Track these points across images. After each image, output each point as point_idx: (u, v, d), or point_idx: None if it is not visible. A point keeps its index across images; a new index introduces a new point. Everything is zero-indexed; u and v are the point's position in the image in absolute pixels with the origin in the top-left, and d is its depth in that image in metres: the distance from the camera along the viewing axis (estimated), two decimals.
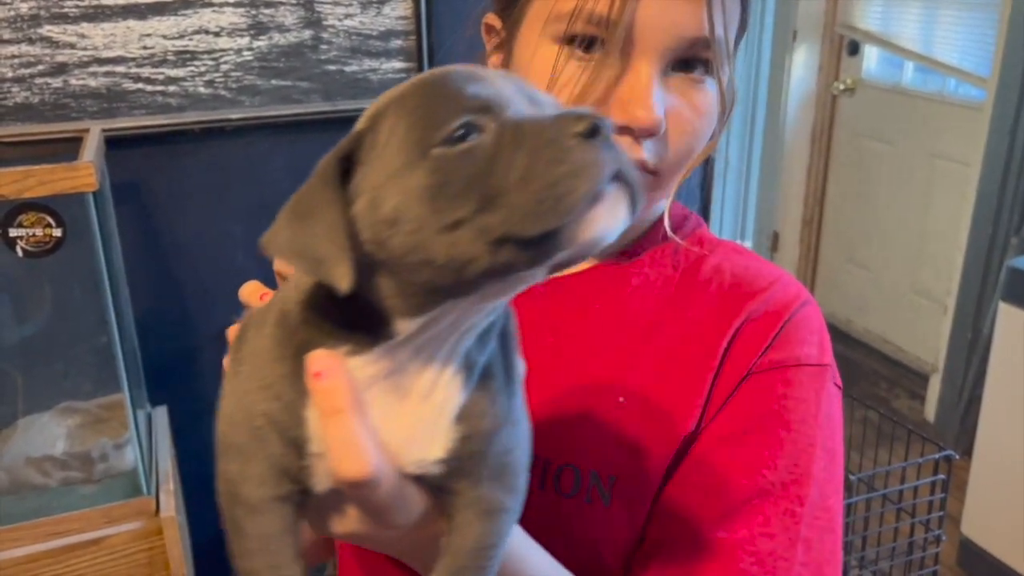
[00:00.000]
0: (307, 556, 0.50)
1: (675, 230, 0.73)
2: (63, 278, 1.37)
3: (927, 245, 3.15)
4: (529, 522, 0.68)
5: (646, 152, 0.61)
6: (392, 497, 0.46)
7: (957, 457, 1.58)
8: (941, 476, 1.58)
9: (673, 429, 0.65)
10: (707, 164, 2.28)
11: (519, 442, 0.49)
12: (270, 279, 0.44)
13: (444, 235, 0.38)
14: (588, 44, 0.60)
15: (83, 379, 1.44)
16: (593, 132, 0.37)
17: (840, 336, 3.52)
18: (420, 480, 0.47)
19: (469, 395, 0.46)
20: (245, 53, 1.65)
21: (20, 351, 1.42)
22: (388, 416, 0.46)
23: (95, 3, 1.53)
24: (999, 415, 1.98)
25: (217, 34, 1.62)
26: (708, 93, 0.62)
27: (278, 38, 1.66)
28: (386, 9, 1.72)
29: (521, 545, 0.59)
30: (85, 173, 1.14)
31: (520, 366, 0.53)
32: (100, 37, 1.55)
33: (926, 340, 3.13)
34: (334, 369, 0.44)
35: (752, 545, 0.61)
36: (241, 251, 1.72)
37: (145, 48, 1.58)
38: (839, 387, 0.67)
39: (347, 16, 1.70)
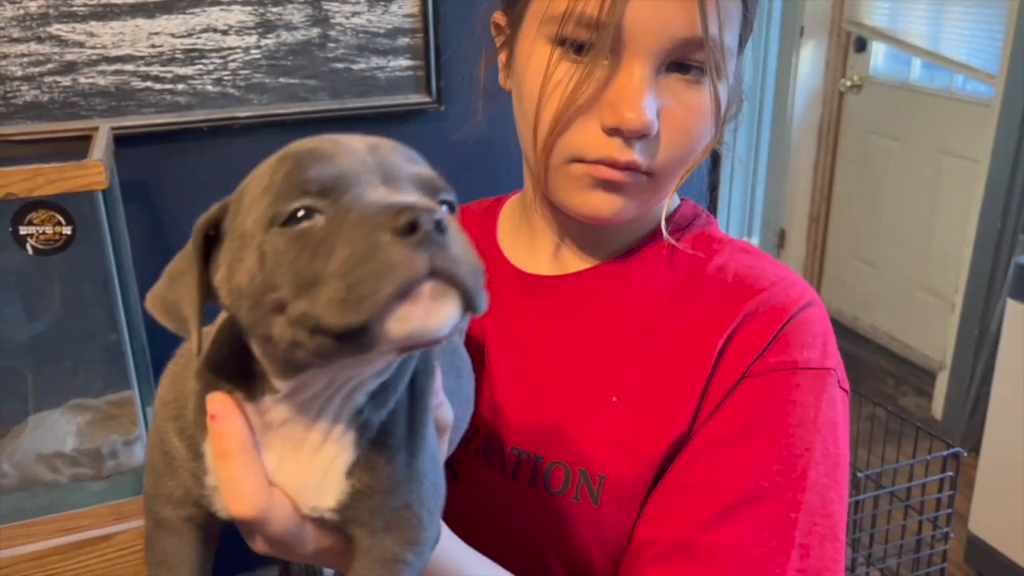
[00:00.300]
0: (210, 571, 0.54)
1: (685, 228, 0.73)
2: (73, 276, 1.38)
3: (934, 242, 3.14)
4: (519, 518, 0.69)
5: (638, 153, 0.61)
6: (286, 533, 0.49)
7: (965, 454, 1.58)
8: (949, 473, 1.58)
9: (665, 430, 0.64)
10: (715, 162, 2.28)
11: (420, 499, 0.50)
12: None
13: (273, 316, 0.39)
14: (580, 46, 0.60)
15: (92, 376, 1.45)
16: (411, 228, 0.37)
17: (846, 333, 3.51)
18: (319, 523, 0.50)
19: (361, 451, 0.48)
20: (253, 51, 1.65)
21: (30, 348, 1.43)
22: (284, 462, 0.48)
23: (104, 2, 1.53)
24: (1007, 412, 1.98)
25: (225, 32, 1.62)
26: (704, 93, 0.62)
27: (286, 36, 1.66)
28: (393, 7, 1.72)
29: (456, 553, 0.60)
30: (95, 171, 1.15)
31: (446, 415, 0.55)
32: (109, 36, 1.55)
33: (933, 337, 3.12)
34: (227, 413, 0.47)
35: (740, 549, 0.60)
36: None
37: (153, 46, 1.58)
38: (845, 390, 0.66)
39: (354, 14, 1.70)
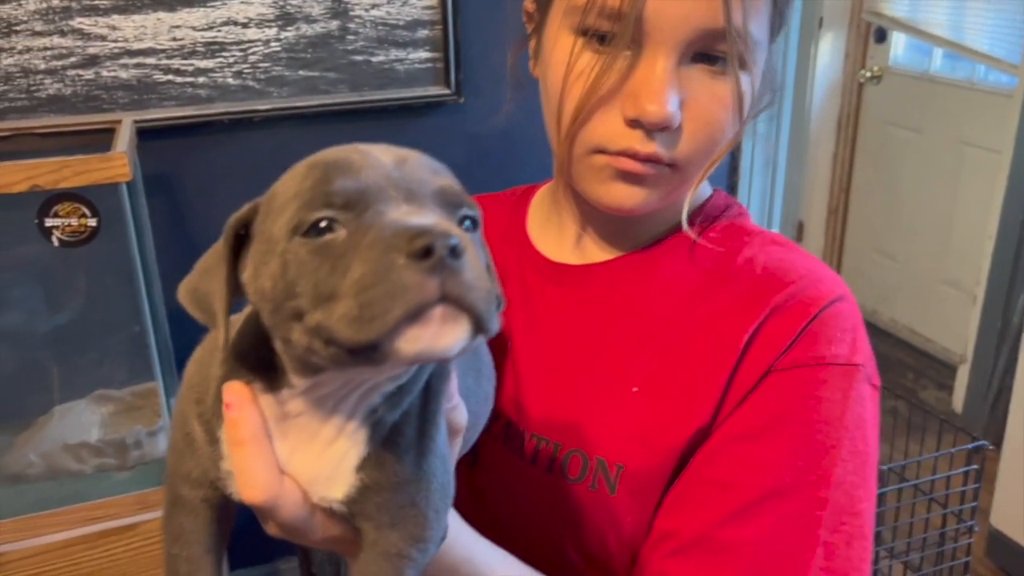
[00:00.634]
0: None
1: (715, 218, 0.72)
2: (97, 268, 1.39)
3: (955, 234, 3.11)
4: (536, 505, 0.69)
5: (660, 145, 0.61)
6: (296, 519, 0.50)
7: (991, 447, 1.57)
8: (974, 466, 1.56)
9: (685, 421, 0.64)
10: (734, 154, 2.27)
11: (427, 498, 0.51)
12: None
13: (292, 322, 0.41)
14: (603, 36, 0.60)
15: (117, 367, 1.47)
16: (425, 253, 0.37)
17: (866, 326, 3.48)
18: (330, 511, 0.51)
19: (372, 448, 0.49)
20: (273, 44, 1.66)
21: (55, 340, 1.44)
22: (298, 451, 0.50)
23: None
24: None
25: (245, 25, 1.63)
26: (730, 84, 0.61)
27: (305, 29, 1.67)
28: None
29: (467, 541, 0.61)
30: (119, 163, 1.16)
31: (459, 417, 0.56)
32: (131, 29, 1.56)
33: (954, 330, 3.10)
34: (242, 402, 0.48)
35: (761, 546, 0.60)
36: None
37: (175, 40, 1.59)
38: (876, 387, 0.65)
39: (373, 6, 1.70)
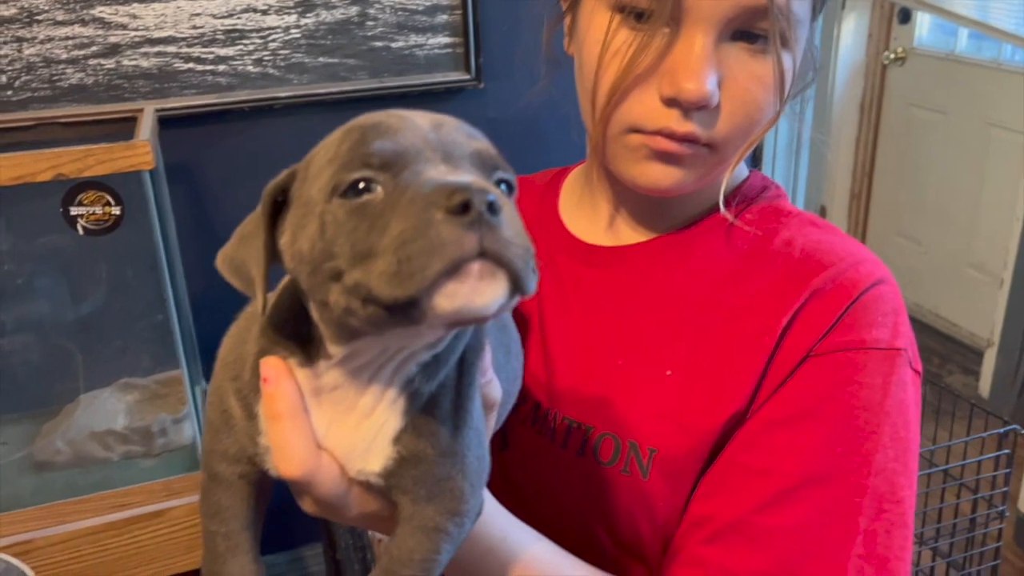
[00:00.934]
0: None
1: (752, 200, 0.71)
2: (121, 256, 1.40)
3: (981, 217, 3.06)
4: (567, 487, 0.68)
5: (697, 125, 0.60)
6: (332, 495, 0.50)
7: (1022, 432, 1.54)
8: (1006, 451, 1.54)
9: (720, 405, 0.63)
10: None
11: (463, 471, 0.51)
12: None
13: (330, 283, 0.41)
14: (640, 13, 0.59)
15: (141, 356, 1.47)
16: (463, 208, 0.37)
17: None
18: (365, 486, 0.51)
19: (409, 420, 0.49)
20: (293, 31, 1.65)
21: (81, 328, 1.45)
22: (334, 425, 0.50)
23: None
24: None
25: (265, 12, 1.62)
26: (770, 63, 0.59)
27: (325, 15, 1.66)
28: None
29: (502, 521, 0.61)
30: (142, 151, 1.16)
31: (494, 392, 0.56)
32: (151, 17, 1.56)
33: (980, 314, 3.06)
34: (280, 377, 0.48)
35: (798, 533, 0.59)
36: None
37: (195, 28, 1.59)
38: (917, 371, 0.63)
39: None
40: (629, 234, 0.73)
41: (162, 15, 1.56)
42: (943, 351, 3.21)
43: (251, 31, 1.62)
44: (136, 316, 1.45)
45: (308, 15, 1.65)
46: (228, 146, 1.69)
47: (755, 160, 2.10)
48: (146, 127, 1.31)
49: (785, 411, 0.61)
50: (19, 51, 1.50)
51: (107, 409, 1.42)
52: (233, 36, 1.62)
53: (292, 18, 1.64)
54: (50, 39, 1.51)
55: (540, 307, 0.74)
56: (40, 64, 1.52)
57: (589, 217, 0.75)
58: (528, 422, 0.72)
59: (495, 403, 0.56)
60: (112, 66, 1.56)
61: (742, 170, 0.73)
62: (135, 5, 1.54)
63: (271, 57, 1.65)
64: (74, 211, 1.17)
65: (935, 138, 3.24)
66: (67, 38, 1.52)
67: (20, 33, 1.49)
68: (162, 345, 1.38)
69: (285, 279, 0.52)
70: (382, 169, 0.40)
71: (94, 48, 1.54)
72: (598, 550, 0.68)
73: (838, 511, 0.59)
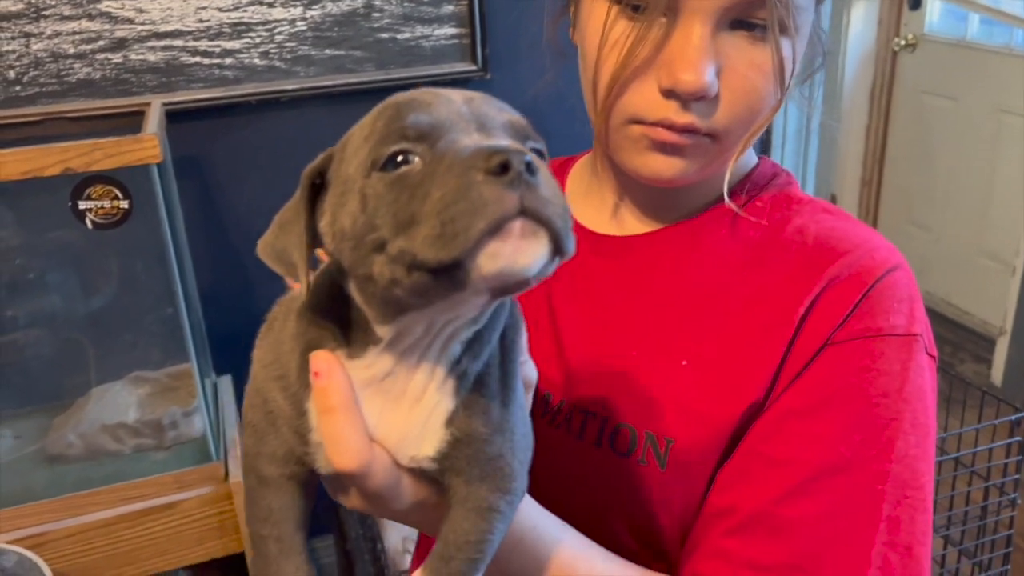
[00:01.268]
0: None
1: (763, 187, 0.71)
2: (130, 250, 1.40)
3: (993, 204, 3.04)
4: (584, 479, 0.68)
5: (697, 115, 0.59)
6: (386, 487, 0.50)
7: None
8: (1016, 439, 1.53)
9: (738, 396, 0.63)
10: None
11: (512, 449, 0.52)
12: None
13: (374, 255, 0.41)
14: (637, 5, 0.59)
15: (152, 349, 1.48)
16: (502, 168, 0.38)
17: None
18: (417, 474, 0.51)
19: (459, 401, 0.49)
20: (299, 23, 1.65)
21: (91, 322, 1.46)
22: (385, 415, 0.49)
23: None
24: None
25: (271, 4, 1.62)
26: (769, 51, 0.59)
27: (331, 7, 1.66)
28: None
29: (532, 511, 0.61)
30: (150, 145, 1.16)
31: (531, 372, 0.56)
32: (157, 11, 1.56)
33: (992, 302, 3.04)
34: (332, 370, 0.48)
35: (821, 523, 0.58)
36: None
37: (201, 21, 1.59)
38: (933, 357, 0.63)
39: None
40: (635, 224, 0.72)
41: (168, 9, 1.56)
42: (955, 339, 3.19)
43: (257, 24, 1.62)
44: (146, 309, 1.45)
45: (314, 7, 1.65)
46: (235, 139, 1.69)
47: (764, 148, 2.09)
48: (153, 121, 1.32)
49: (804, 400, 0.61)
50: (27, 46, 1.51)
51: (118, 402, 1.43)
52: (239, 29, 1.62)
53: (298, 10, 1.64)
54: (57, 34, 1.52)
55: (549, 297, 0.74)
56: (48, 59, 1.52)
57: (596, 206, 0.75)
58: (539, 413, 0.72)
59: (532, 383, 0.57)
60: (119, 60, 1.56)
61: (751, 157, 0.72)
62: None
63: (277, 50, 1.65)
64: (83, 205, 1.18)
65: (946, 125, 3.21)
66: (74, 33, 1.52)
67: (27, 28, 1.50)
68: (172, 338, 1.39)
69: (316, 274, 0.52)
70: (419, 140, 0.41)
71: (101, 42, 1.54)
72: (615, 541, 0.67)
73: (861, 499, 0.58)
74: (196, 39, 1.60)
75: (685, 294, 0.67)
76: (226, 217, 1.72)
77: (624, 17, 0.60)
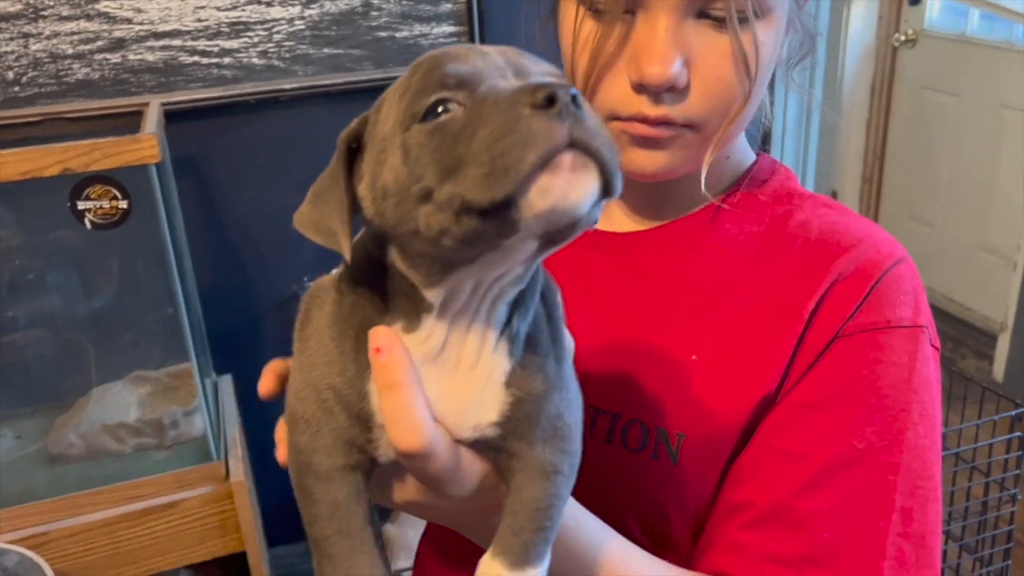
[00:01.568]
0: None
1: (764, 182, 0.71)
2: (130, 250, 1.40)
3: (995, 199, 3.04)
4: (595, 476, 0.68)
5: (670, 107, 0.60)
6: (447, 468, 0.48)
7: None
8: (1018, 434, 1.53)
9: (749, 390, 0.63)
10: (765, 121, 2.22)
11: (569, 407, 0.51)
12: (326, 248, 0.46)
13: (420, 205, 0.40)
14: (599, 9, 0.60)
15: (152, 349, 1.48)
16: (548, 101, 0.37)
17: None
18: (478, 447, 0.49)
19: (515, 361, 0.48)
20: (297, 22, 1.65)
21: (92, 322, 1.46)
22: (442, 389, 0.48)
23: None
24: None
25: (269, 3, 1.62)
26: (739, 38, 0.59)
27: (329, 6, 1.66)
28: None
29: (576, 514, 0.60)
30: (148, 145, 1.16)
31: (568, 339, 0.54)
32: (155, 11, 1.56)
33: (994, 298, 3.03)
34: (392, 345, 0.46)
35: (836, 515, 0.59)
36: None
37: (199, 20, 1.59)
38: (936, 348, 0.64)
39: None
40: (631, 221, 0.73)
41: (166, 8, 1.57)
42: (956, 335, 3.19)
43: (255, 23, 1.62)
44: (146, 309, 1.46)
45: (312, 6, 1.65)
46: (234, 139, 1.69)
47: (764, 145, 2.09)
48: (152, 120, 1.32)
49: (816, 394, 0.62)
50: (25, 47, 1.51)
51: (119, 402, 1.43)
52: (238, 28, 1.62)
53: (296, 9, 1.64)
54: (56, 34, 1.52)
55: None
56: (46, 60, 1.52)
57: None
58: None
59: (572, 349, 0.56)
60: (118, 60, 1.56)
61: (749, 153, 0.73)
62: None
63: (276, 49, 1.65)
64: (82, 205, 1.18)
65: (947, 120, 3.21)
66: (72, 33, 1.53)
67: (26, 29, 1.50)
68: (172, 338, 1.39)
69: (340, 268, 0.50)
70: (458, 88, 0.41)
71: (100, 43, 1.55)
72: (628, 539, 0.68)
73: (874, 491, 0.59)
74: (194, 39, 1.60)
75: (691, 289, 0.68)
76: (225, 216, 1.72)
77: (590, 17, 0.60)
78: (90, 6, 1.52)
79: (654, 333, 0.68)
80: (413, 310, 0.47)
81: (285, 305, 1.78)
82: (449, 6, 1.73)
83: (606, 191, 0.40)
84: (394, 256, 0.46)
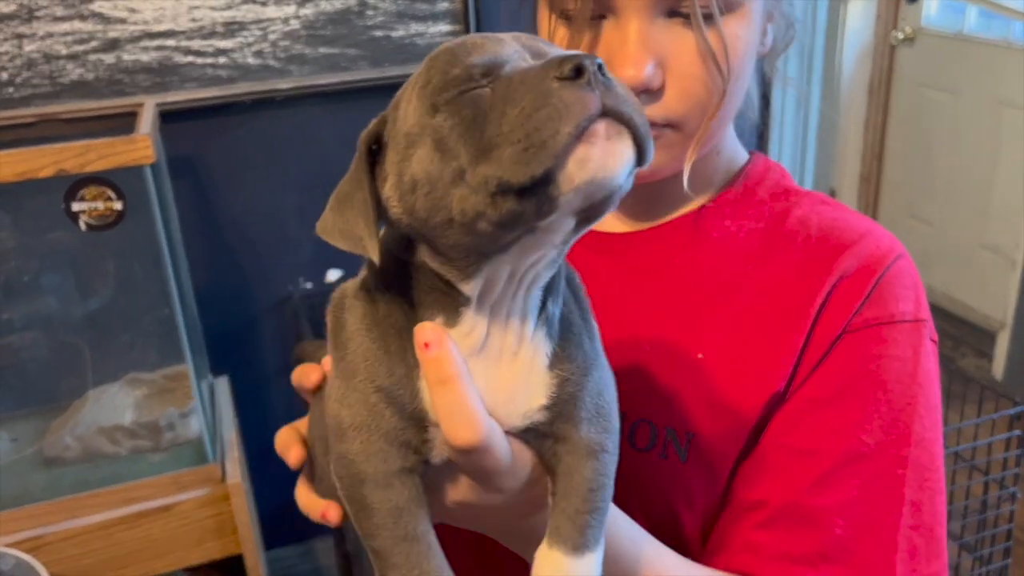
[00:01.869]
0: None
1: (760, 181, 0.71)
2: (125, 252, 1.40)
3: (994, 197, 3.03)
4: None
5: (647, 108, 0.60)
6: (502, 462, 0.48)
7: None
8: (1016, 432, 1.53)
9: (757, 388, 0.64)
10: (763, 121, 2.22)
11: (607, 385, 0.51)
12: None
13: (453, 190, 0.40)
14: (569, 15, 0.60)
15: (148, 351, 1.48)
16: (577, 72, 0.37)
17: None
18: (526, 436, 0.49)
19: (555, 343, 0.48)
20: (292, 22, 1.64)
21: (87, 324, 1.45)
22: (488, 380, 0.47)
23: None
24: None
25: (264, 3, 1.62)
26: (710, 36, 0.59)
27: (324, 5, 1.65)
28: None
29: None
30: (143, 145, 1.16)
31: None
32: (150, 11, 1.56)
33: (994, 296, 3.03)
34: (441, 338, 0.46)
35: (847, 511, 0.60)
36: (295, 220, 1.73)
37: (194, 20, 1.58)
38: (935, 342, 0.65)
39: None
40: (627, 221, 0.72)
41: (161, 8, 1.56)
42: (956, 333, 3.18)
43: (250, 22, 1.62)
44: (142, 311, 1.45)
45: (307, 5, 1.64)
46: (229, 139, 1.69)
47: (762, 144, 2.08)
48: (146, 121, 1.31)
49: (823, 390, 0.62)
50: (19, 48, 1.50)
51: (115, 404, 1.42)
52: (232, 28, 1.61)
53: (291, 8, 1.64)
54: (50, 35, 1.51)
55: None
56: (40, 60, 1.52)
57: None
58: None
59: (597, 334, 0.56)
60: (112, 61, 1.56)
61: (742, 152, 0.73)
62: None
63: (271, 49, 1.65)
64: (76, 207, 1.17)
65: (945, 118, 3.20)
66: (67, 33, 1.52)
67: (20, 30, 1.49)
68: (168, 340, 1.39)
69: (362, 274, 0.50)
70: (483, 75, 0.41)
71: (94, 43, 1.54)
72: None
73: (884, 485, 0.60)
74: (189, 39, 1.59)
75: (693, 288, 0.68)
76: (221, 217, 1.71)
77: (562, 25, 0.61)
78: (84, 6, 1.52)
79: (658, 332, 0.68)
80: (451, 305, 0.46)
81: (281, 306, 1.77)
82: (445, 5, 1.72)
83: (639, 158, 0.40)
84: (424, 255, 0.46)
